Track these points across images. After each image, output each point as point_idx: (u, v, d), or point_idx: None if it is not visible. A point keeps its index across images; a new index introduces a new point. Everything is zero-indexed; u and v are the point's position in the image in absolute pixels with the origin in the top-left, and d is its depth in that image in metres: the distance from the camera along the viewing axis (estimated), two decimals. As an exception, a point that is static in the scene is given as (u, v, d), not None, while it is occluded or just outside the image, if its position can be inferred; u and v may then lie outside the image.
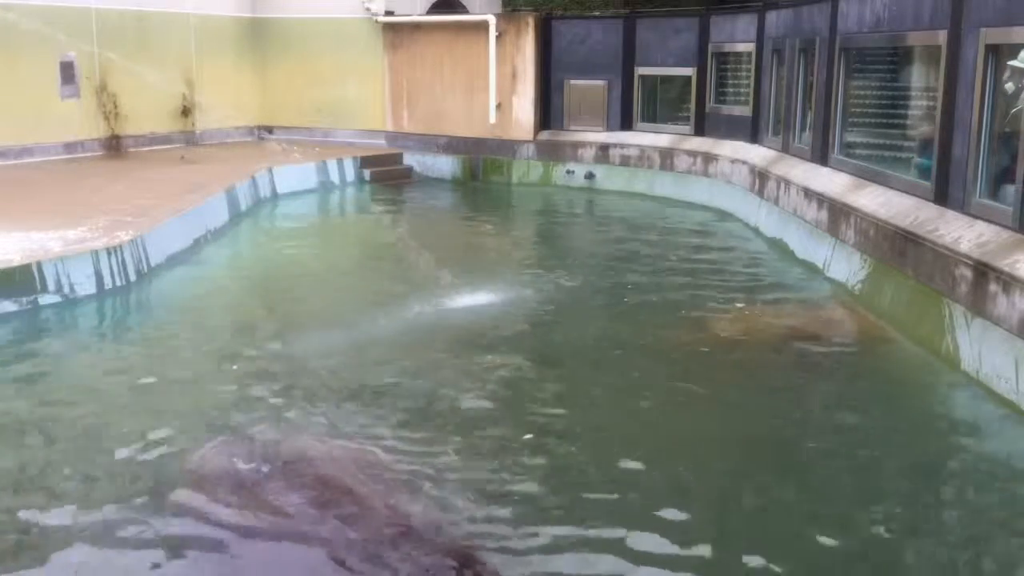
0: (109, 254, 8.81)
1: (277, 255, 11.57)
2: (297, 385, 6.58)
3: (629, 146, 16.04)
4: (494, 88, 16.70)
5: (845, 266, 9.31)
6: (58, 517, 4.73)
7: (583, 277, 10.05)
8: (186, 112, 17.49)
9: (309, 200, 15.20)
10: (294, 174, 15.38)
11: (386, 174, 16.99)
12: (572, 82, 16.63)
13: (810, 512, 4.97)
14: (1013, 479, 5.42)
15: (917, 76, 9.40)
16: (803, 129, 11.95)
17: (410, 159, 17.78)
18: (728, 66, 14.99)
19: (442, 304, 8.78)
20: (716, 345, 7.68)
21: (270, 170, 14.85)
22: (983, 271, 6.60)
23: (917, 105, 9.37)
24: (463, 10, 19.46)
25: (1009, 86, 7.21)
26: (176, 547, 4.45)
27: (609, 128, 16.44)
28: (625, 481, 5.22)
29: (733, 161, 13.86)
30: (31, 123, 14.93)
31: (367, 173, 16.72)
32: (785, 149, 12.44)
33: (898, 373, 7.24)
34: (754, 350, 7.58)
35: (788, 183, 11.29)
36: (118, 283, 8.85)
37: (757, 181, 12.71)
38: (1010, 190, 6.93)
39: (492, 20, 16.72)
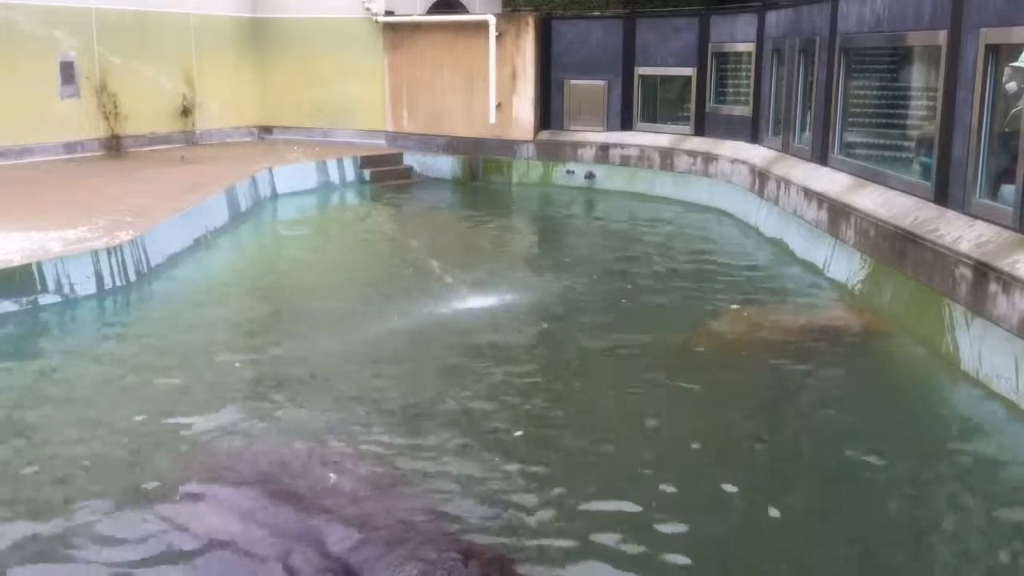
0: (109, 254, 8.82)
1: (277, 255, 11.57)
2: (297, 385, 6.58)
3: (629, 146, 16.04)
4: (494, 88, 16.70)
5: (845, 266, 9.31)
6: (51, 517, 4.73)
7: (583, 277, 10.05)
8: (186, 112, 17.49)
9: (309, 200, 15.20)
10: (294, 174, 15.38)
11: (386, 174, 16.99)
12: (572, 82, 16.63)
13: (809, 512, 4.97)
14: (1013, 478, 5.43)
15: (917, 76, 9.40)
16: (803, 129, 11.95)
17: (410, 159, 17.78)
18: (728, 66, 14.99)
19: (442, 305, 8.77)
20: (715, 345, 7.68)
21: (270, 170, 14.85)
22: (983, 271, 6.60)
23: (917, 105, 9.38)
24: (463, 10, 19.47)
25: (1011, 86, 7.22)
26: (175, 548, 4.44)
27: (609, 128, 16.44)
28: (624, 482, 5.22)
29: (733, 161, 13.86)
30: (31, 123, 14.93)
31: (367, 173, 16.72)
32: (785, 149, 12.44)
33: (898, 373, 7.24)
34: (753, 350, 7.58)
35: (788, 183, 11.29)
36: (118, 283, 8.85)
37: (757, 181, 12.71)
38: (1010, 190, 6.93)
39: (492, 20, 16.72)
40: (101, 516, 4.73)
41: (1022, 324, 6.09)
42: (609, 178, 16.16)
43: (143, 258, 9.34)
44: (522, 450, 5.60)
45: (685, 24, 15.56)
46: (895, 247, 8.19)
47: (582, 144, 16.51)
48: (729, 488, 5.19)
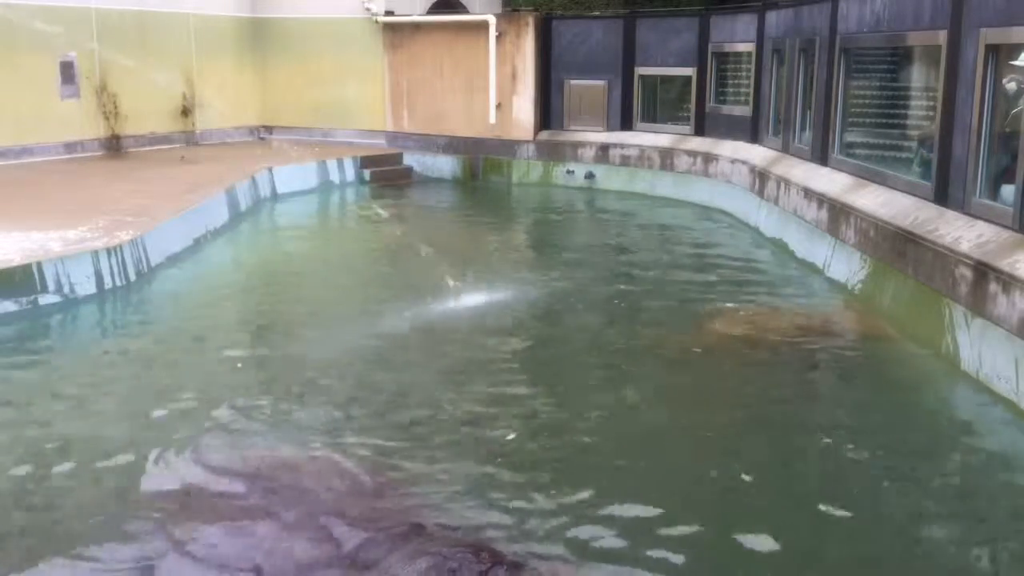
0: (109, 254, 8.81)
1: (277, 255, 11.57)
2: (296, 386, 6.58)
3: (629, 146, 16.04)
4: (494, 88, 16.70)
5: (845, 266, 9.31)
6: (45, 518, 4.74)
7: (581, 277, 10.05)
8: (186, 112, 17.49)
9: (309, 200, 15.20)
10: (294, 174, 15.38)
11: (386, 174, 16.99)
12: (572, 82, 16.63)
13: (808, 512, 4.97)
14: (1012, 478, 5.42)
15: (917, 76, 9.40)
16: (803, 129, 11.95)
17: (410, 159, 17.78)
18: (728, 66, 14.99)
19: (442, 305, 8.77)
20: (715, 345, 7.68)
21: (270, 170, 14.85)
22: (983, 271, 6.60)
23: (917, 105, 9.37)
24: (463, 10, 19.46)
25: (1011, 87, 7.21)
26: (175, 549, 4.44)
27: (609, 128, 16.44)
28: (623, 482, 5.22)
29: (733, 161, 13.86)
30: (31, 123, 14.94)
31: (367, 173, 16.72)
32: (785, 149, 12.44)
33: (898, 373, 7.24)
34: (753, 350, 7.57)
35: (788, 183, 11.29)
36: (118, 283, 8.85)
37: (757, 181, 12.71)
38: (1010, 190, 6.93)
39: (492, 20, 16.72)
40: (99, 517, 4.73)
41: (1022, 324, 6.09)
42: (609, 178, 16.16)
43: (143, 258, 9.34)
44: (521, 450, 5.59)
45: (685, 24, 15.56)
46: (895, 247, 8.19)
47: (582, 144, 16.51)
48: (728, 488, 5.19)
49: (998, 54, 7.26)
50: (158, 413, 6.04)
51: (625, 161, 16.05)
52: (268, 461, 5.33)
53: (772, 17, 13.43)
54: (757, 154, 13.25)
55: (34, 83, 14.90)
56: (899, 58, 9.76)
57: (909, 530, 4.82)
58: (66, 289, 8.41)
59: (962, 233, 7.21)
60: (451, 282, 9.35)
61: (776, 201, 11.74)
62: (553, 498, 4.95)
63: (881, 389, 6.90)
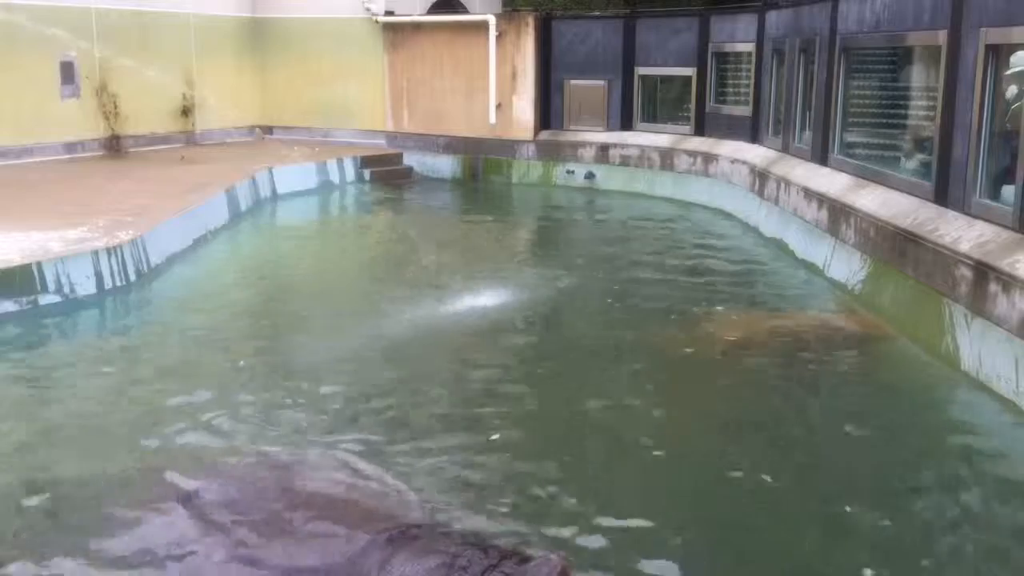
0: (109, 254, 8.81)
1: (277, 255, 11.57)
2: (295, 387, 6.57)
3: (629, 146, 16.04)
4: (494, 88, 16.70)
5: (845, 266, 9.31)
6: (42, 519, 4.74)
7: (582, 278, 10.05)
8: (186, 112, 17.49)
9: (309, 200, 15.20)
10: (294, 174, 15.37)
11: (386, 174, 16.99)
12: (572, 82, 16.63)
13: (808, 513, 4.97)
14: (1012, 478, 5.42)
15: (917, 76, 9.40)
16: (803, 129, 11.95)
17: (410, 159, 17.78)
18: (728, 66, 14.99)
19: (441, 305, 8.78)
20: (714, 345, 7.67)
21: (270, 170, 14.84)
22: (983, 271, 6.60)
23: (917, 105, 9.37)
24: (463, 10, 19.46)
25: (1012, 89, 7.21)
26: (175, 550, 4.44)
27: (609, 128, 16.44)
28: (621, 481, 5.22)
29: (733, 161, 13.86)
30: (31, 123, 14.93)
31: (367, 173, 16.72)
32: (785, 149, 12.43)
33: (898, 373, 7.23)
34: (752, 350, 7.57)
35: (788, 183, 11.29)
36: (118, 283, 8.84)
37: (757, 181, 12.71)
38: (1010, 190, 6.93)
39: (492, 20, 16.72)
40: (97, 517, 4.73)
41: (1022, 324, 6.09)
42: (609, 178, 16.16)
43: (143, 258, 9.33)
44: (520, 450, 5.60)
45: (685, 24, 15.56)
46: (895, 247, 8.19)
47: (582, 144, 16.51)
48: (726, 487, 5.19)
49: (998, 54, 7.26)
50: (158, 413, 6.04)
51: (625, 161, 16.05)
52: (268, 461, 5.32)
53: (772, 17, 13.43)
54: (757, 154, 13.24)
55: (34, 83, 14.90)
56: (899, 58, 9.76)
57: (909, 530, 4.82)
58: (66, 289, 8.41)
59: (962, 233, 7.21)
60: (451, 282, 9.35)
61: (776, 201, 11.74)
62: (553, 498, 4.95)
63: (880, 389, 6.90)
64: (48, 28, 14.97)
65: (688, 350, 7.54)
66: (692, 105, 15.50)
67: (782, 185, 11.53)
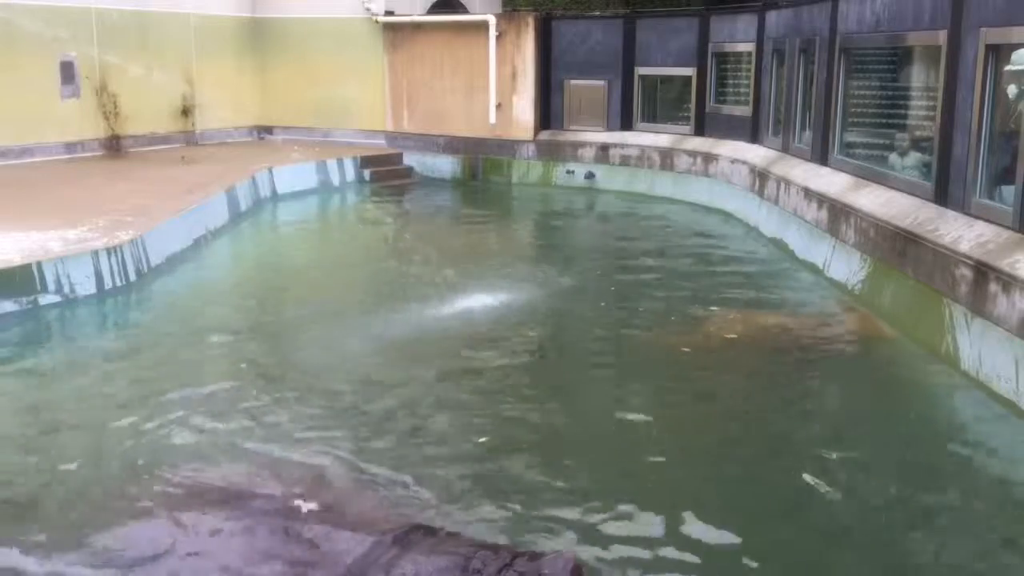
0: (109, 254, 8.82)
1: (277, 255, 11.57)
2: (295, 388, 6.58)
3: (629, 146, 16.04)
4: (494, 88, 16.70)
5: (845, 266, 9.31)
6: (42, 519, 4.74)
7: (580, 278, 10.05)
8: (186, 112, 17.49)
9: (309, 200, 15.20)
10: (294, 174, 15.37)
11: (386, 174, 16.99)
12: (572, 82, 16.63)
13: (808, 513, 4.97)
14: (1012, 479, 5.42)
15: (917, 76, 9.40)
16: (803, 129, 11.95)
17: (410, 159, 17.78)
18: (728, 66, 14.99)
19: (441, 306, 8.78)
20: (714, 345, 7.68)
21: (270, 170, 14.85)
22: (983, 271, 6.60)
23: (917, 105, 9.37)
24: (463, 10, 19.46)
25: (1012, 88, 7.21)
26: (173, 551, 4.44)
27: (609, 128, 16.44)
28: (620, 480, 5.22)
29: (733, 161, 13.86)
30: (31, 123, 14.94)
31: (367, 173, 16.72)
32: (785, 149, 12.44)
33: (898, 373, 7.23)
34: (752, 350, 7.58)
35: (788, 183, 11.29)
36: (118, 283, 8.85)
37: (757, 181, 12.71)
38: (1010, 190, 6.93)
39: (492, 20, 16.72)
40: (95, 518, 4.73)
41: (1022, 324, 6.09)
42: (609, 178, 16.16)
43: (143, 258, 9.34)
44: (520, 450, 5.60)
45: (685, 24, 15.56)
46: (895, 247, 8.19)
47: (582, 144, 16.51)
48: (725, 487, 5.19)
49: (998, 54, 7.26)
50: (157, 413, 6.04)
51: (625, 161, 16.05)
52: (268, 463, 5.32)
53: (772, 17, 13.43)
54: (757, 154, 13.25)
55: (34, 83, 14.90)
56: (899, 58, 9.76)
57: (908, 531, 4.82)
58: (66, 289, 8.41)
59: (962, 233, 7.21)
60: (451, 282, 9.35)
61: (776, 201, 11.74)
62: (553, 498, 4.96)
63: (880, 389, 6.90)
64: (48, 28, 14.97)
65: (686, 350, 7.54)
66: (692, 105, 15.50)
67: (782, 185, 11.53)
